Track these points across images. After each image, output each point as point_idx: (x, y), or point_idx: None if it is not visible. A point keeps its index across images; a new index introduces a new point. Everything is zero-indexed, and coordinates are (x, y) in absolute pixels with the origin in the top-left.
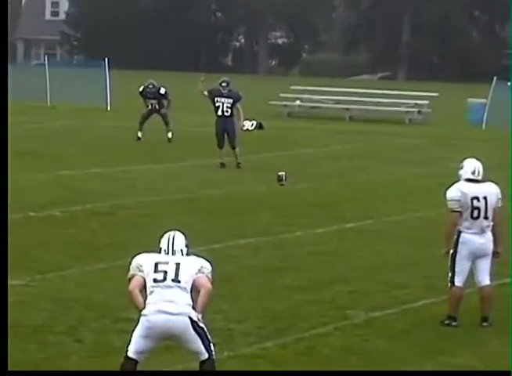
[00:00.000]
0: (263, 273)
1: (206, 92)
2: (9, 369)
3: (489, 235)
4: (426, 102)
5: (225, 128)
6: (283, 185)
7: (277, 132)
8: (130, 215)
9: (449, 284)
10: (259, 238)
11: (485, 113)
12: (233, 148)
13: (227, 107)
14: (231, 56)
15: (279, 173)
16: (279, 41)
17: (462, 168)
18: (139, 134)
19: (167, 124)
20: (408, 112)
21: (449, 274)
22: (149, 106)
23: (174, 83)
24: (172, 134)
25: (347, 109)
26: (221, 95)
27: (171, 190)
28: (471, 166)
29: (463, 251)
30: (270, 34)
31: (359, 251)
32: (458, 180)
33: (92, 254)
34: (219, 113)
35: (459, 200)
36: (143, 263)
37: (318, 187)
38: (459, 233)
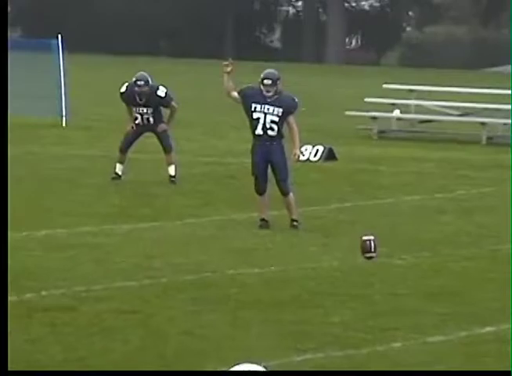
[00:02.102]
0: None
1: (235, 93)
2: None
3: None
4: None
5: (269, 158)
6: (370, 258)
7: (359, 166)
8: (101, 311)
9: None
10: (331, 352)
11: None
12: (284, 194)
13: (272, 122)
14: (280, 32)
15: (365, 238)
16: (365, 4)
17: None
18: (118, 168)
19: (167, 150)
20: None
21: None
22: (138, 119)
23: (179, 78)
24: (176, 168)
25: (484, 124)
26: (263, 102)
27: (175, 267)
28: None
29: None
30: None
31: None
32: None
33: None
34: (259, 131)
35: None
36: None
37: (433, 263)
38: None
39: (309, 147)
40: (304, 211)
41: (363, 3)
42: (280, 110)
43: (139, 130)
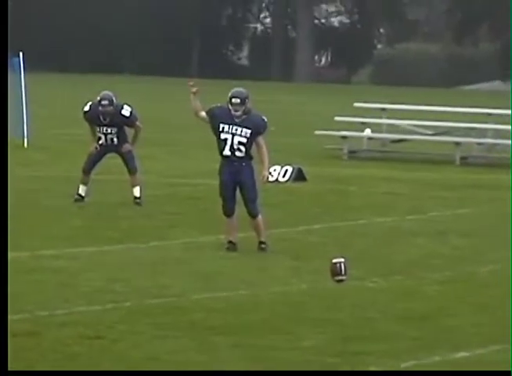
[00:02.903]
0: None
1: (203, 113)
2: None
3: None
4: None
5: (237, 179)
6: (341, 281)
7: (329, 187)
8: (65, 336)
9: None
10: None
11: None
12: (253, 216)
13: (240, 143)
14: (247, 50)
15: (335, 260)
16: (334, 21)
17: None
18: (82, 190)
19: (132, 172)
20: None
21: None
22: (102, 139)
23: (143, 97)
24: (141, 190)
25: (458, 144)
26: (231, 123)
27: (140, 291)
28: None
29: None
30: (317, 10)
31: None
32: None
33: None
34: (226, 152)
35: None
36: None
37: (406, 287)
38: None
39: (278, 168)
40: (273, 232)
41: (333, 19)
42: (248, 131)
43: (103, 151)
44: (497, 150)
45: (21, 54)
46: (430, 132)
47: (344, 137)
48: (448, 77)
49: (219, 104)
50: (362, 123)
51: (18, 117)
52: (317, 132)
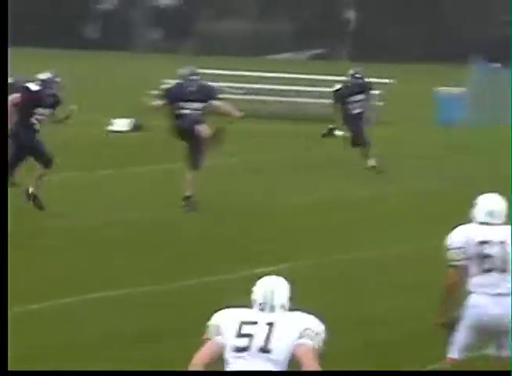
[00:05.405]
0: None
1: (159, 102)
2: None
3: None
4: (375, 92)
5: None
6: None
7: (164, 135)
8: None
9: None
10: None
11: (462, 109)
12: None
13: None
14: (95, 25)
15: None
16: (164, 3)
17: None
18: None
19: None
20: None
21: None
22: None
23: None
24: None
25: (264, 101)
26: (187, 99)
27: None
28: (486, 205)
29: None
30: None
31: None
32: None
33: None
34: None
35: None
36: (223, 323)
37: (217, 215)
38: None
39: (119, 121)
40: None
41: (163, 2)
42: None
43: None
44: (297, 106)
45: None
46: (242, 92)
47: None
48: (257, 48)
49: (170, 85)
50: None
51: None
52: (150, 92)
